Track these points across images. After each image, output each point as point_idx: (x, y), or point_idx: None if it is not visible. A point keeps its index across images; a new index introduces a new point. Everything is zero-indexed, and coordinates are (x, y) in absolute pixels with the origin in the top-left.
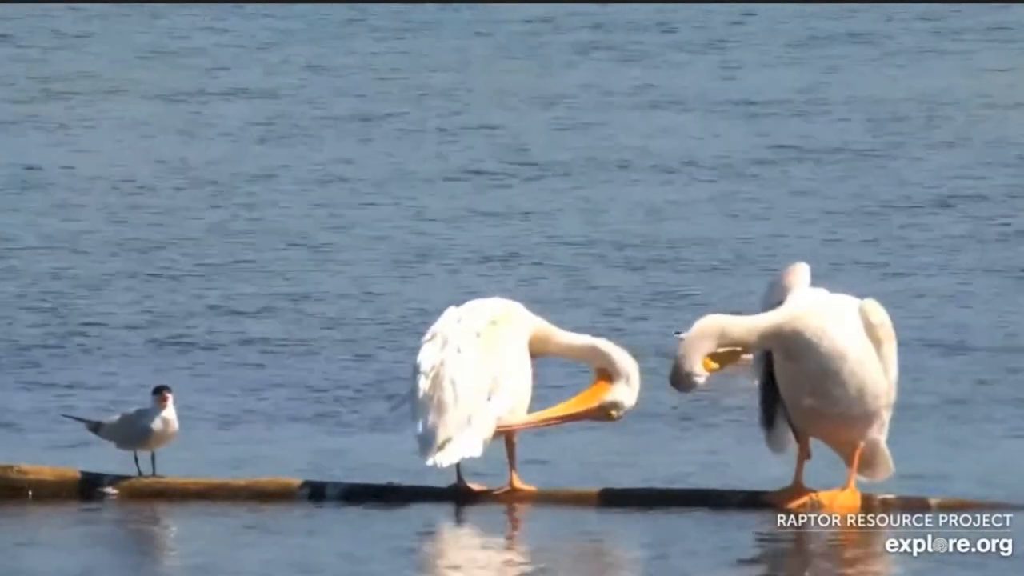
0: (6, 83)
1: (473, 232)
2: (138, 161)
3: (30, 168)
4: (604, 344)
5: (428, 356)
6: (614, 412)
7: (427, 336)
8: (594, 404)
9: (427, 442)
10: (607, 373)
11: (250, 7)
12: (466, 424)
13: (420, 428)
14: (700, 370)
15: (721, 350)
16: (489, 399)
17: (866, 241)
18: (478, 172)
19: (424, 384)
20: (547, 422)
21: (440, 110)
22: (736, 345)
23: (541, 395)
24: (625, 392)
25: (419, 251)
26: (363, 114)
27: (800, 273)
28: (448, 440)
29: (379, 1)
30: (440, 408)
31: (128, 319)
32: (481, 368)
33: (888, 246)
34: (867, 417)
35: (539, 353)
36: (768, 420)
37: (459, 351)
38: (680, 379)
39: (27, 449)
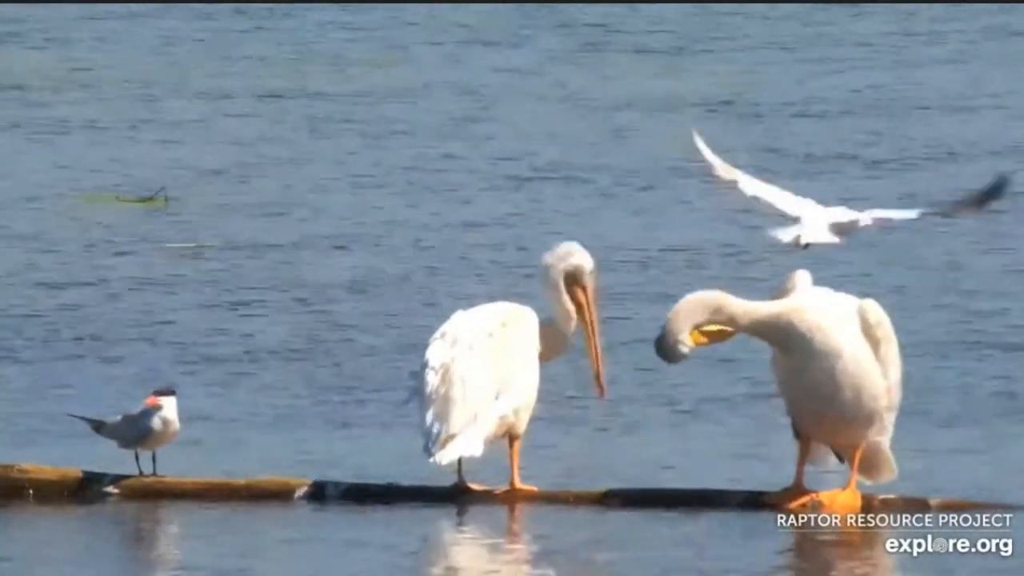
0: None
1: (480, 235)
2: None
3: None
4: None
5: (438, 352)
6: None
7: (436, 335)
8: None
9: (432, 437)
10: None
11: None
12: (472, 422)
13: (426, 423)
14: (687, 340)
15: (712, 327)
16: (497, 398)
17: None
18: (486, 176)
19: (433, 379)
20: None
21: (469, 113)
22: (727, 324)
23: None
24: None
25: (428, 252)
26: (403, 115)
27: (799, 280)
28: (452, 437)
29: (449, 1)
30: (448, 404)
31: (131, 319)
32: (491, 367)
33: (898, 243)
34: (866, 418)
35: (547, 357)
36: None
37: (470, 348)
38: (666, 347)
39: (28, 448)
